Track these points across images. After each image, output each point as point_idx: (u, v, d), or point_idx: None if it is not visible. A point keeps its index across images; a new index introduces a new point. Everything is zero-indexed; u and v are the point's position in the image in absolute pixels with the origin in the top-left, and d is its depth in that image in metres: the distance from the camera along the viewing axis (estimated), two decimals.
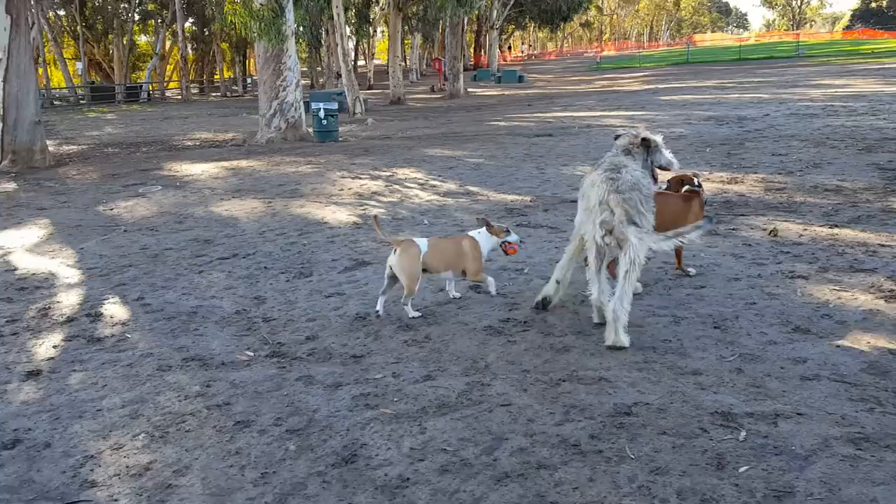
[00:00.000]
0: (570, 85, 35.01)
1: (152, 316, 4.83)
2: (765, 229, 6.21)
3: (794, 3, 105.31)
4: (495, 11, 47.06)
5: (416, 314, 4.51)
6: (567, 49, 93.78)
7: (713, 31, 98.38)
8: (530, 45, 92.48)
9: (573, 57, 77.23)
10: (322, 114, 15.42)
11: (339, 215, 7.84)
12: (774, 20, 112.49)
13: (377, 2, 36.97)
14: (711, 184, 8.43)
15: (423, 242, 4.48)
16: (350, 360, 3.94)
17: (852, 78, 24.26)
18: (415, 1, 27.80)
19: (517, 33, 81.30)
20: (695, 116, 15.82)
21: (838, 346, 3.77)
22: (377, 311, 4.52)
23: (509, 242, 4.71)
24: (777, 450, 2.84)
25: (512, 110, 22.19)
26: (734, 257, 5.47)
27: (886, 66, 29.38)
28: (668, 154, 4.51)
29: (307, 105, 16.61)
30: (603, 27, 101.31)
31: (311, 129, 16.09)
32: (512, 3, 45.12)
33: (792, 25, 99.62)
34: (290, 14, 15.56)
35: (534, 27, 67.54)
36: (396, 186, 9.46)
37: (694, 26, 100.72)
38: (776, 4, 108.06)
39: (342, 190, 9.41)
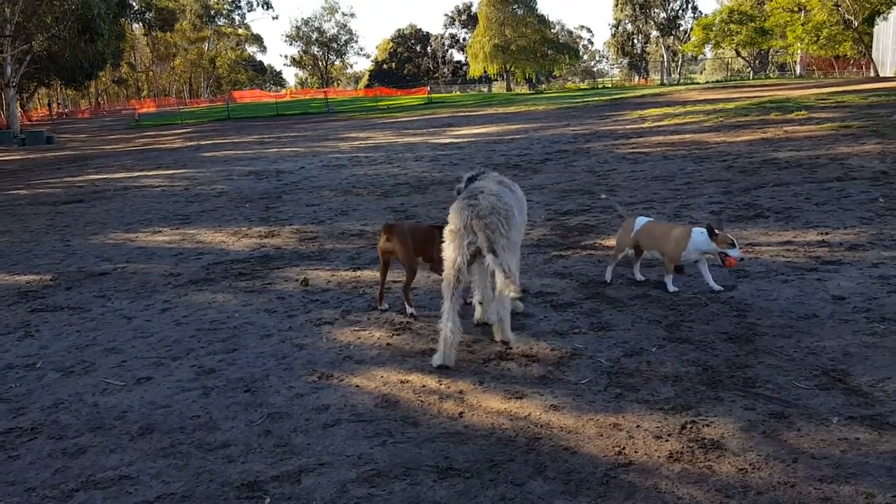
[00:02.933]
0: (106, 144, 32.67)
1: None
2: (297, 280, 6.45)
3: (321, 63, 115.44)
4: (10, 68, 41.77)
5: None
6: (104, 106, 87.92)
7: (252, 88, 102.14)
8: (59, 104, 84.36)
9: (111, 114, 72.62)
10: None
11: None
12: (307, 79, 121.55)
13: None
14: (249, 239, 8.53)
15: (640, 220, 5.35)
16: None
17: (373, 131, 27.31)
18: None
19: (42, 90, 73.46)
20: (236, 172, 16.02)
21: (357, 387, 4.02)
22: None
23: (727, 254, 4.83)
24: None
25: (37, 176, 19.75)
26: (267, 313, 5.54)
27: (398, 119, 33.88)
28: None
29: None
30: (140, 84, 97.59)
31: None
32: (28, 59, 40.60)
33: (322, 83, 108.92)
34: None
35: (60, 84, 61.84)
36: None
37: (233, 83, 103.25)
38: (306, 65, 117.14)
39: None
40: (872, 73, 36.55)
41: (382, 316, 5.25)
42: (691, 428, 3.26)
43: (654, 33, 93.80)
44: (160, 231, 9.41)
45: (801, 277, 5.30)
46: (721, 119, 17.15)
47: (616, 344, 4.33)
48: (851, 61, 56.81)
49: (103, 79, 74.57)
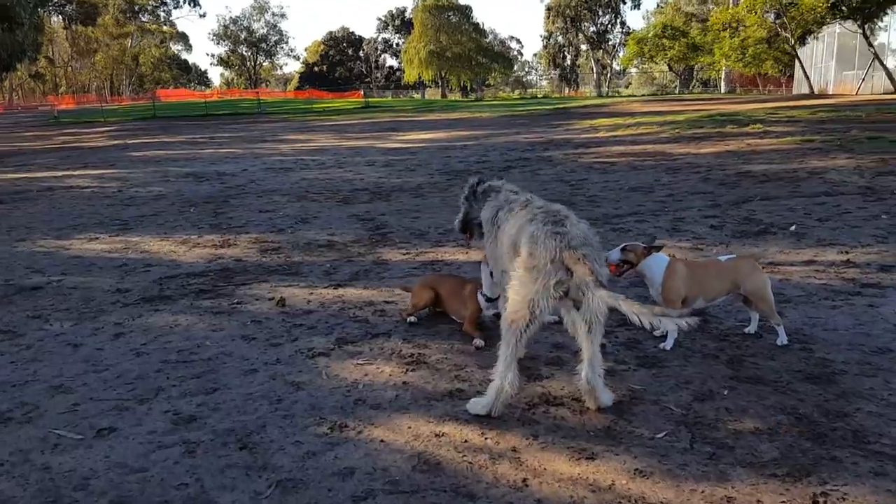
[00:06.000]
0: (24, 142, 30.46)
1: None
2: (271, 298, 5.62)
3: (249, 63, 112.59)
4: None
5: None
6: (18, 102, 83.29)
7: (176, 87, 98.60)
8: None
9: (26, 111, 68.70)
10: None
11: None
12: (233, 79, 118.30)
13: None
14: (203, 249, 7.61)
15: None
16: None
17: (312, 133, 26.29)
18: None
19: None
20: (172, 173, 14.87)
21: (383, 442, 3.26)
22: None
23: None
24: None
25: None
26: (245, 340, 4.70)
27: (337, 122, 32.88)
28: None
29: None
30: (58, 79, 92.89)
31: None
32: None
33: (250, 84, 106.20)
34: None
35: None
36: None
37: (157, 82, 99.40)
38: (233, 64, 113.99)
39: None
40: (807, 90, 37.71)
41: (386, 345, 4.49)
42: (825, 503, 2.66)
43: (584, 46, 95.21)
44: (97, 238, 8.35)
45: (848, 303, 4.82)
46: (678, 131, 17.00)
47: (678, 385, 3.71)
48: (772, 79, 58.75)
49: (19, 73, 70.47)
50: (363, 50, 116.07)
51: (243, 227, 8.83)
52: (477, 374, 3.96)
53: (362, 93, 68.35)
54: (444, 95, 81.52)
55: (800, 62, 35.90)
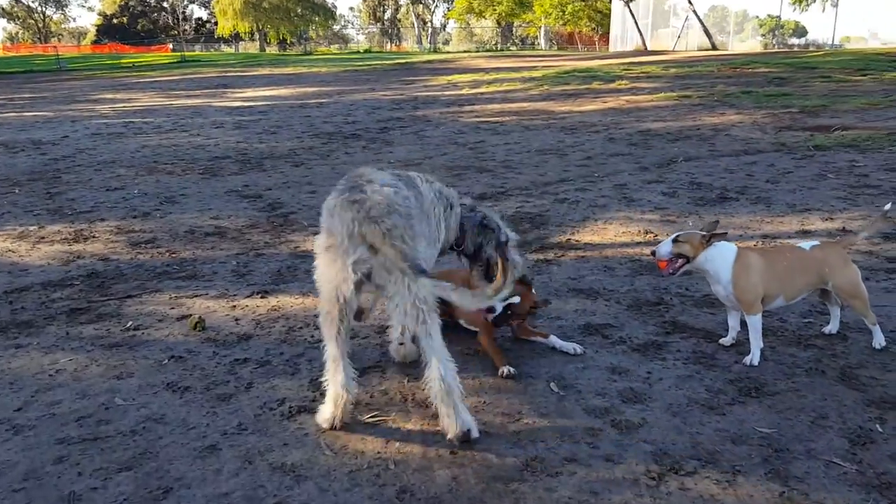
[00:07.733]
0: None
1: None
2: (181, 318, 4.16)
3: (36, 15, 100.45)
4: None
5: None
6: None
7: None
8: None
9: None
10: None
11: None
12: (18, 33, 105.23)
13: None
14: (50, 246, 5.83)
15: None
16: None
17: (131, 91, 23.27)
18: None
19: None
20: None
21: None
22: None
23: None
24: None
25: None
26: (174, 392, 3.27)
27: (155, 78, 29.51)
28: None
29: None
30: None
31: None
32: None
33: (39, 39, 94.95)
34: None
35: None
36: None
37: None
38: (17, 17, 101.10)
39: None
40: (622, 48, 39.16)
41: (388, 387, 3.27)
42: None
43: (404, 0, 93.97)
44: None
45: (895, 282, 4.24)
46: (545, 87, 16.49)
47: (814, 422, 2.83)
48: (585, 37, 61.10)
49: None
50: (168, 0, 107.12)
51: (94, 212, 7.01)
52: (545, 427, 2.88)
53: (170, 47, 62.94)
54: (262, 49, 77.06)
55: (634, 19, 37.16)
